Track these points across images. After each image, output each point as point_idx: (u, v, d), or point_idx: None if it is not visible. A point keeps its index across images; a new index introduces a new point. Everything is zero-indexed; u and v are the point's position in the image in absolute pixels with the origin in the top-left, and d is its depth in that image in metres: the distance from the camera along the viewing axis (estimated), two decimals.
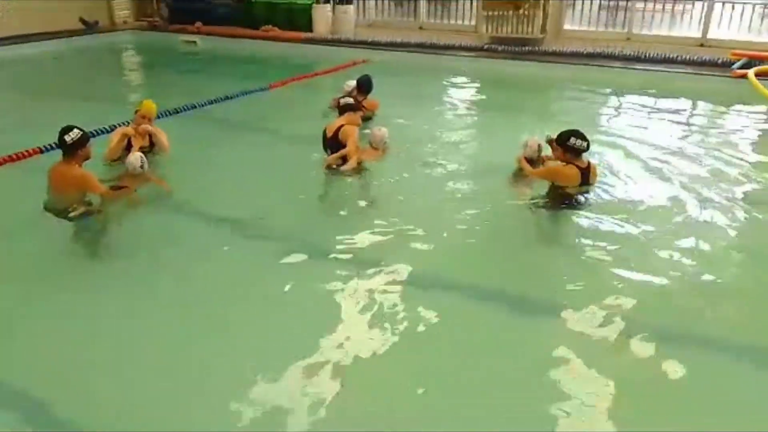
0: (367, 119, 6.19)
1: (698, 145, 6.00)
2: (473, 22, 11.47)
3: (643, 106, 7.71)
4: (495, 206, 4.62)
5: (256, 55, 11.15)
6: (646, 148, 5.86)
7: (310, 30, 11.86)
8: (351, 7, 11.85)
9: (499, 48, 10.39)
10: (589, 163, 4.54)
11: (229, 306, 3.41)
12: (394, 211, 4.49)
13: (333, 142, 5.18)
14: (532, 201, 4.58)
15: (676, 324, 3.26)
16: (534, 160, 4.98)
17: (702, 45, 9.76)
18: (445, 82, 8.98)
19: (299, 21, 12.01)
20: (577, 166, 4.44)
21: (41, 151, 5.51)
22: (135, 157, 4.75)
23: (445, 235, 4.20)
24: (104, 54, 11.58)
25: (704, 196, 4.74)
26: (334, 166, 5.05)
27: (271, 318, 3.31)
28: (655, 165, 5.39)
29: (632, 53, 9.64)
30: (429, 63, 10.10)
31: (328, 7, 11.86)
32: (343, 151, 5.04)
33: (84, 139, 4.19)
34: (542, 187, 4.64)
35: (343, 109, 5.32)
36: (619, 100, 8.06)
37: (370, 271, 3.66)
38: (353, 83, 6.76)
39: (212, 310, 3.36)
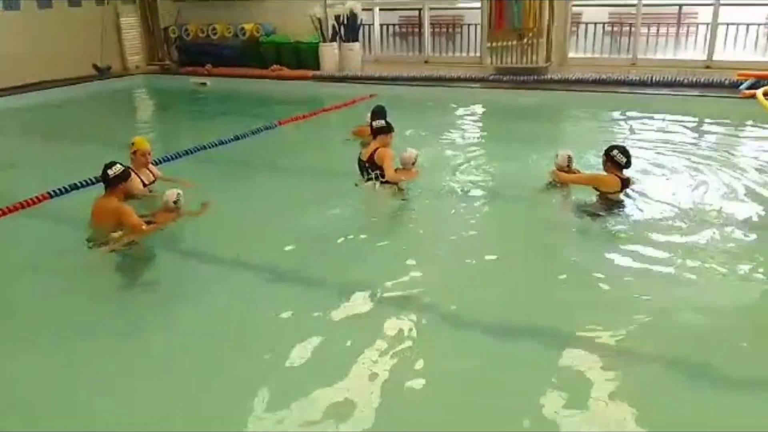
0: None
1: (711, 167, 5.95)
2: (478, 54, 11.58)
3: (652, 130, 7.69)
4: (519, 228, 4.86)
5: (265, 94, 11.31)
6: (658, 171, 5.84)
7: (318, 68, 12.04)
8: (357, 45, 12.03)
9: (505, 78, 10.46)
10: (629, 177, 5.04)
11: (245, 340, 3.41)
12: (420, 239, 4.58)
13: (369, 165, 5.50)
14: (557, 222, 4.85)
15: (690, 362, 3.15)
16: (565, 172, 5.35)
17: (708, 67, 9.76)
18: (453, 114, 9.04)
19: (307, 59, 12.20)
20: (619, 177, 4.94)
21: (50, 196, 5.56)
22: (171, 192, 4.84)
23: (477, 263, 4.24)
24: (117, 98, 11.82)
25: (724, 221, 4.67)
26: (366, 184, 5.51)
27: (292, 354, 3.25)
28: (670, 189, 5.35)
29: (638, 78, 9.65)
30: (436, 95, 10.18)
31: (335, 45, 12.06)
32: (388, 177, 5.37)
33: (125, 175, 4.59)
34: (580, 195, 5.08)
35: (376, 132, 5.60)
36: (627, 125, 8.05)
37: (396, 306, 3.62)
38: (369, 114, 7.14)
39: (231, 346, 3.36)
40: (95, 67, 12.95)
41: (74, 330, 3.56)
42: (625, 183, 4.99)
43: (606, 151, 5.05)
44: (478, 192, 5.54)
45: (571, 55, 10.90)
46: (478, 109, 9.38)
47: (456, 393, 2.95)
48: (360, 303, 3.65)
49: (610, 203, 4.93)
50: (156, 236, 4.63)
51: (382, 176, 5.41)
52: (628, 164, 4.98)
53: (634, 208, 4.95)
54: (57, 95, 11.23)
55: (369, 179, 5.52)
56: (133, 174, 5.16)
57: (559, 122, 8.83)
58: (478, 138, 7.61)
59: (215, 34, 13.14)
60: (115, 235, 4.47)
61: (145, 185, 5.40)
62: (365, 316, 3.54)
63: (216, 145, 7.27)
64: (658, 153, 6.54)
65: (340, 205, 5.37)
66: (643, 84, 9.55)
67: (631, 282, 3.91)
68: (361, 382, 2.98)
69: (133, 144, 5.44)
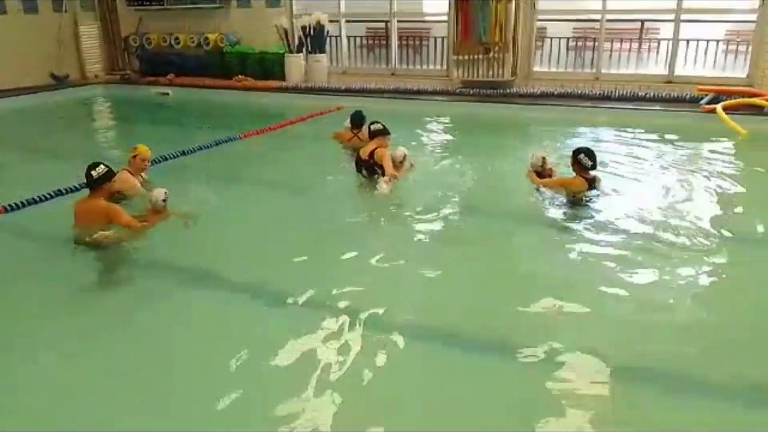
0: (358, 148, 6.90)
1: (672, 178, 6.14)
2: (444, 67, 11.74)
3: (616, 143, 7.87)
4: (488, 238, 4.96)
5: (229, 105, 11.22)
6: (621, 183, 5.99)
7: (284, 79, 12.03)
8: (324, 56, 12.05)
9: (471, 91, 10.60)
10: (594, 176, 5.48)
11: (206, 353, 3.37)
12: (383, 250, 4.54)
13: (368, 164, 6.07)
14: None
15: (662, 369, 3.20)
16: (540, 172, 5.80)
17: (669, 82, 10.07)
18: (420, 126, 9.09)
19: (272, 70, 12.18)
20: (584, 178, 5.39)
21: (5, 211, 5.43)
22: (159, 192, 4.92)
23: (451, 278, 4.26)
24: (75, 108, 11.58)
25: (682, 231, 4.81)
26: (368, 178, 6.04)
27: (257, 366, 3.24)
28: (631, 200, 5.51)
29: (602, 92, 9.89)
30: (403, 108, 10.24)
31: (301, 56, 12.07)
32: (388, 173, 5.84)
33: (109, 175, 4.67)
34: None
35: (373, 134, 6.20)
36: (591, 138, 8.23)
37: (363, 318, 3.61)
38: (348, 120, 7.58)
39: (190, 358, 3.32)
40: (53, 75, 12.71)
41: (34, 333, 3.59)
42: (591, 183, 5.42)
43: (573, 153, 5.47)
44: (444, 203, 5.59)
45: (536, 69, 11.11)
46: (445, 121, 9.46)
47: (418, 406, 2.95)
48: (323, 316, 3.63)
49: (579, 201, 5.35)
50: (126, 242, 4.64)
51: (381, 173, 5.92)
52: (593, 166, 5.41)
53: (600, 207, 5.29)
54: (11, 105, 10.97)
55: (371, 175, 6.05)
56: (127, 175, 5.41)
57: (525, 135, 8.96)
58: (444, 150, 7.68)
59: (178, 43, 13.03)
60: (107, 232, 4.52)
61: (120, 192, 5.40)
62: (327, 329, 3.51)
63: (177, 156, 7.18)
64: (621, 164, 6.72)
65: (302, 217, 5.38)
66: (606, 98, 9.78)
67: (594, 286, 4.02)
68: (319, 394, 2.96)
69: (135, 148, 5.63)
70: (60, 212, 4.98)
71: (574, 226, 4.99)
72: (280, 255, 4.56)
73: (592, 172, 5.50)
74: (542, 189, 5.67)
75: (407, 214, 5.39)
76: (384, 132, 6.19)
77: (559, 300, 3.81)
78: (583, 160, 5.40)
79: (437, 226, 5.10)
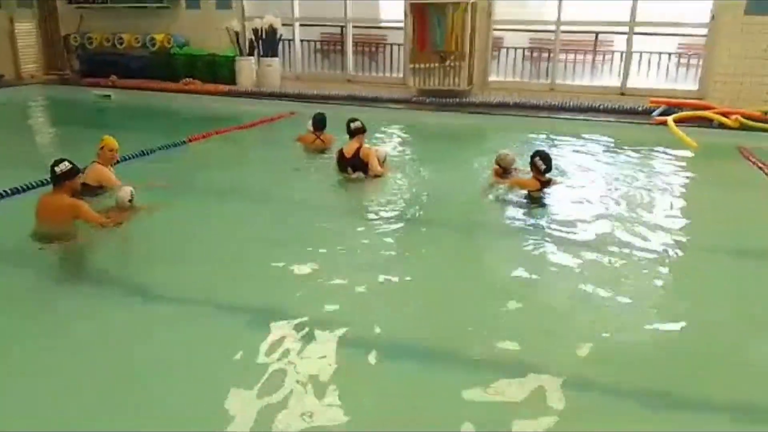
0: (322, 152, 7.54)
1: (624, 190, 6.35)
2: (401, 75, 11.87)
3: (570, 152, 8.12)
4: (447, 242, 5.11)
5: (176, 109, 11.09)
6: (573, 192, 6.19)
7: (234, 83, 11.95)
8: (276, 60, 12.04)
9: (427, 100, 10.75)
10: (551, 179, 5.98)
11: (156, 369, 3.30)
12: (337, 262, 4.57)
13: (354, 162, 6.46)
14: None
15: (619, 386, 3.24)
16: (509, 171, 6.30)
17: (623, 93, 10.44)
18: (377, 134, 9.17)
19: (222, 74, 12.09)
20: (538, 179, 5.86)
21: None
22: (125, 191, 5.12)
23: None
24: (9, 109, 11.21)
25: (628, 239, 5.03)
26: (354, 176, 6.46)
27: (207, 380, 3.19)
28: (584, 209, 5.72)
29: (557, 103, 10.19)
30: (358, 115, 10.17)
31: (252, 59, 12.03)
32: (375, 172, 6.42)
33: (73, 172, 4.74)
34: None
35: (354, 133, 6.61)
36: (546, 147, 8.40)
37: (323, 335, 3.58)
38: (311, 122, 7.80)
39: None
40: None
41: None
42: (545, 184, 5.91)
43: (531, 156, 5.95)
44: (399, 211, 5.67)
45: (492, 78, 11.37)
46: (402, 130, 9.57)
47: (377, 420, 2.94)
48: (274, 328, 3.60)
49: (534, 199, 5.81)
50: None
51: (366, 171, 6.39)
52: (548, 169, 5.88)
53: (555, 213, 5.62)
54: None
55: (358, 171, 6.43)
56: (100, 167, 5.66)
57: (482, 143, 9.10)
58: (401, 159, 7.73)
59: (122, 43, 12.81)
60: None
61: (101, 185, 5.62)
62: (280, 342, 3.48)
63: (119, 161, 7.00)
64: (574, 172, 6.96)
65: (251, 224, 5.36)
66: (561, 109, 10.09)
67: (556, 294, 4.18)
68: (274, 409, 2.94)
69: (102, 140, 5.81)
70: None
71: (528, 232, 5.19)
72: (235, 266, 4.52)
73: (548, 175, 5.92)
74: (500, 188, 6.07)
75: (365, 222, 5.42)
76: (364, 130, 6.67)
77: (516, 305, 3.95)
78: (538, 163, 5.83)
79: (393, 235, 5.14)
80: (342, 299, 3.97)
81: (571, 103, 10.14)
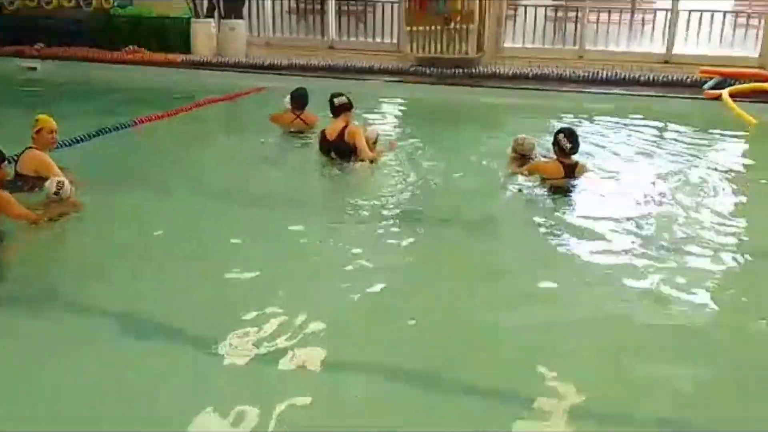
0: (303, 134, 7.55)
1: (669, 181, 6.31)
2: (395, 40, 11.82)
3: (602, 135, 8.07)
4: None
5: (117, 84, 11.01)
6: (606, 183, 6.15)
7: (189, 51, 11.92)
8: (241, 23, 11.96)
9: (428, 71, 10.71)
10: (577, 162, 5.89)
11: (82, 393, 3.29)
12: (312, 268, 4.56)
13: (338, 145, 6.46)
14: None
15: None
16: (528, 159, 6.27)
17: (667, 62, 10.48)
18: (363, 114, 9.11)
19: (174, 40, 12.08)
20: (562, 162, 5.80)
21: None
22: (50, 182, 5.16)
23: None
24: None
25: (680, 239, 4.98)
26: (351, 164, 6.40)
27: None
28: (619, 205, 5.65)
29: (586, 74, 10.19)
30: (344, 90, 10.20)
31: (212, 22, 11.93)
32: (366, 156, 6.38)
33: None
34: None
35: (339, 110, 6.59)
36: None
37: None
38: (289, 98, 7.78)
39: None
40: None
41: None
42: (570, 169, 5.83)
43: (554, 133, 5.92)
44: (395, 207, 5.64)
45: (506, 44, 11.35)
46: (397, 108, 9.54)
47: None
48: (229, 351, 3.57)
49: (557, 191, 5.71)
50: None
51: (354, 155, 6.39)
52: (573, 149, 5.79)
53: (583, 208, 5.54)
54: None
55: (343, 156, 6.43)
56: (36, 152, 5.62)
57: (494, 125, 9.05)
58: (397, 143, 7.69)
59: (49, 3, 12.69)
60: None
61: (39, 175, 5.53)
62: (234, 369, 3.45)
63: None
64: (609, 160, 6.93)
65: (209, 226, 5.30)
66: (591, 81, 10.09)
67: (569, 309, 4.09)
68: None
69: (37, 122, 5.76)
70: None
71: (550, 234, 5.13)
72: (186, 275, 4.47)
73: (575, 158, 5.87)
74: (518, 178, 6.01)
75: (351, 221, 5.37)
76: (349, 106, 6.65)
77: (531, 320, 3.91)
78: (562, 141, 5.80)
79: (385, 237, 5.07)
80: (318, 316, 3.89)
81: (604, 75, 10.14)
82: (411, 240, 5.09)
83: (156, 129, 8.22)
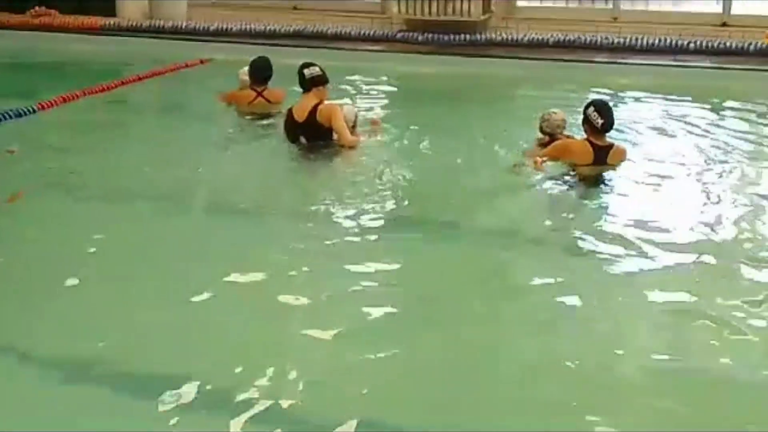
0: (266, 116, 7.69)
1: (727, 170, 6.41)
2: None
3: (642, 114, 8.17)
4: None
5: (19, 54, 11.04)
6: (648, 172, 6.26)
7: (113, 14, 11.97)
8: None
9: (420, 37, 10.79)
10: (612, 144, 6.10)
11: None
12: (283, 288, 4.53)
13: (308, 127, 6.63)
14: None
15: None
16: (557, 138, 6.38)
17: (724, 24, 10.51)
18: (341, 91, 9.08)
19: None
20: (592, 143, 5.96)
21: None
22: None
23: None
24: None
25: (746, 255, 4.95)
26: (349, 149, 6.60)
27: None
28: (665, 200, 5.79)
29: (622, 40, 10.28)
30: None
31: None
32: (346, 141, 6.58)
33: None
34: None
35: (310, 84, 6.73)
36: None
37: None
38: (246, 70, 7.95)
39: None
40: None
41: None
42: (602, 153, 6.00)
43: (584, 108, 6.10)
44: (382, 208, 5.69)
45: (520, 3, 11.42)
46: (381, 84, 9.59)
47: None
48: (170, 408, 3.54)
49: (587, 180, 5.92)
50: None
51: (329, 138, 6.61)
52: (606, 125, 5.95)
53: (617, 198, 5.80)
54: None
55: (315, 140, 6.63)
56: None
57: (504, 106, 9.12)
58: (384, 128, 7.65)
59: None
60: None
61: None
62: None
63: None
64: (650, 148, 7.01)
65: (146, 237, 5.31)
66: (629, 49, 10.20)
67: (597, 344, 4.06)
68: None
69: None
70: None
71: (577, 238, 5.18)
72: (106, 304, 4.43)
73: (608, 139, 6.06)
74: (527, 167, 6.19)
75: (324, 228, 5.38)
76: (324, 79, 6.79)
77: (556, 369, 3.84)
78: (593, 116, 5.95)
79: (377, 247, 5.15)
80: (274, 360, 3.86)
81: (645, 41, 10.22)
82: (406, 253, 5.08)
83: (67, 114, 8.22)
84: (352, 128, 6.80)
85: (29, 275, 4.84)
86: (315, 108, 6.62)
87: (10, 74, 10.32)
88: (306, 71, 6.80)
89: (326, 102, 6.75)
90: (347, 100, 7.20)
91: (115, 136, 7.72)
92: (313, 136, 6.64)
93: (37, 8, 12.08)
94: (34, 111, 8.09)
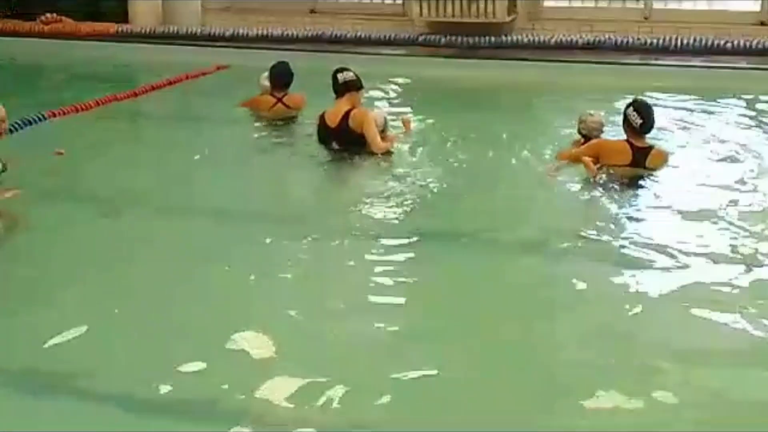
0: (287, 120, 7.89)
1: None
2: (399, 0, 11.79)
3: (679, 119, 8.04)
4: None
5: (30, 62, 11.08)
6: (690, 178, 6.22)
7: (126, 20, 11.95)
8: None
9: (443, 40, 10.73)
10: (652, 146, 6.14)
11: None
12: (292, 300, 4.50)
13: (340, 133, 6.71)
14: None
15: None
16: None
17: (763, 23, 10.35)
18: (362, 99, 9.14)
19: (106, 5, 12.18)
20: (631, 144, 6.02)
21: None
22: None
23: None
24: None
25: None
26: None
27: None
28: (711, 209, 5.64)
29: (655, 41, 10.14)
30: (329, 68, 10.19)
31: None
32: (377, 148, 6.63)
33: None
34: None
35: (343, 89, 6.87)
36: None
37: None
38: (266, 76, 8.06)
39: None
40: None
41: None
42: (641, 155, 6.01)
43: (624, 108, 6.17)
44: (415, 218, 5.71)
45: (548, 3, 11.30)
46: (402, 89, 9.52)
47: None
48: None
49: (622, 185, 5.89)
50: None
51: (361, 144, 6.66)
52: (645, 126, 6.00)
53: (657, 208, 5.74)
54: None
55: (347, 146, 6.71)
56: None
57: (531, 111, 9.13)
58: (404, 137, 7.64)
59: None
60: None
61: None
62: None
63: None
64: (685, 154, 6.89)
65: (153, 254, 5.27)
66: (662, 50, 10.05)
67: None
68: None
69: None
70: None
71: (616, 250, 5.19)
72: (121, 323, 4.32)
73: (649, 141, 6.09)
74: (571, 170, 6.24)
75: (366, 236, 5.40)
76: (358, 85, 6.95)
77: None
78: (632, 116, 6.01)
79: (411, 259, 5.09)
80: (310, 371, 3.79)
81: (679, 41, 10.07)
82: (436, 264, 5.11)
83: (80, 123, 8.18)
84: (382, 132, 6.80)
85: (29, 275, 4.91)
86: (347, 113, 6.72)
87: (18, 81, 10.20)
88: (340, 75, 6.93)
89: (359, 108, 6.78)
90: (376, 104, 7.26)
91: (124, 145, 7.85)
92: (346, 142, 6.68)
93: (48, 15, 12.04)
94: (43, 119, 8.06)
